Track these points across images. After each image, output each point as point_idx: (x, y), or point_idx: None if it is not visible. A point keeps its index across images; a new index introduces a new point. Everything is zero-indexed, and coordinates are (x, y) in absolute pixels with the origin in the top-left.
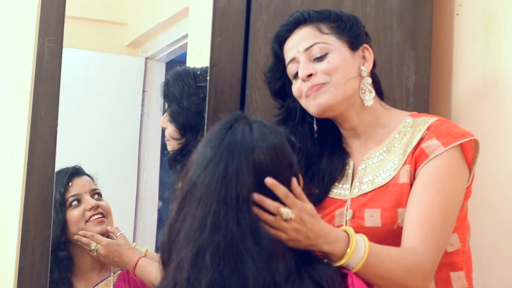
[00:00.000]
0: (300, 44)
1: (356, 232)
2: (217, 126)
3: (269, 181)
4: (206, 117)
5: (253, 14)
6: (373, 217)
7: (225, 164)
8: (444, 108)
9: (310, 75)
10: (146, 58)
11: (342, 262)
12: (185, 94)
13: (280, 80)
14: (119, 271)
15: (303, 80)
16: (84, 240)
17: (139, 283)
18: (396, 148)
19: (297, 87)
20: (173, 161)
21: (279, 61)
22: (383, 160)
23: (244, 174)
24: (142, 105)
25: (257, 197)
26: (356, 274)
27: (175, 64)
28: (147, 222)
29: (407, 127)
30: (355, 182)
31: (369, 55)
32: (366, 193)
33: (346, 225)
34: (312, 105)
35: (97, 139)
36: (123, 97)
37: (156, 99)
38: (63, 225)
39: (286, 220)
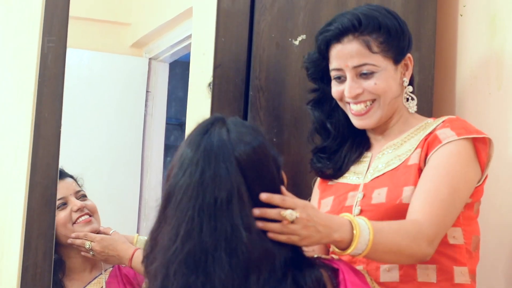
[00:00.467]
0: (349, 60)
1: (362, 210)
2: (194, 130)
3: (263, 196)
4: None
5: (257, 14)
6: (380, 195)
7: (202, 170)
8: (447, 108)
9: (357, 95)
10: (150, 59)
11: (352, 246)
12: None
13: (319, 70)
14: (110, 268)
15: (349, 98)
16: (78, 241)
17: (132, 278)
18: (412, 140)
19: (338, 90)
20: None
21: (322, 58)
22: (398, 149)
23: (222, 177)
24: (146, 105)
25: (257, 211)
26: (366, 256)
27: (179, 64)
28: (150, 223)
29: (426, 125)
30: (370, 170)
31: (410, 63)
32: (377, 177)
33: (356, 205)
34: (356, 123)
35: (101, 139)
36: (126, 97)
37: (160, 100)
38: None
39: (293, 222)
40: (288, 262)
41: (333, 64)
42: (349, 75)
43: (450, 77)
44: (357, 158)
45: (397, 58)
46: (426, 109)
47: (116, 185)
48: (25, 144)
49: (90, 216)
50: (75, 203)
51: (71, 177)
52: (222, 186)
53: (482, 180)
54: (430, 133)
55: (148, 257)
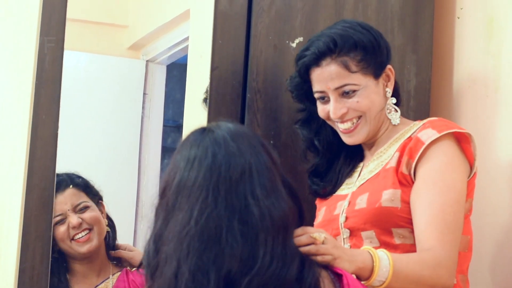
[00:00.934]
0: (329, 82)
1: (347, 217)
2: (188, 137)
3: (299, 231)
4: (207, 120)
5: (254, 17)
6: (362, 200)
7: (213, 153)
8: (445, 111)
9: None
10: (147, 61)
11: (375, 273)
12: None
13: (303, 92)
14: (118, 273)
15: (335, 119)
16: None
17: (139, 284)
18: (394, 146)
19: (324, 110)
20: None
21: (304, 81)
22: (382, 156)
23: (235, 155)
24: (143, 107)
25: (296, 242)
26: (389, 286)
27: (176, 67)
28: (147, 224)
29: (411, 128)
30: (359, 179)
31: (391, 73)
32: (362, 184)
33: (342, 213)
34: (346, 140)
35: (98, 141)
36: (123, 99)
37: (157, 102)
38: (53, 241)
39: (323, 243)
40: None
41: (316, 87)
42: (332, 96)
43: (447, 80)
44: (350, 171)
45: (377, 72)
46: (424, 111)
47: (113, 186)
48: (22, 146)
49: (89, 231)
50: (72, 220)
51: (76, 184)
52: (236, 163)
53: (472, 175)
54: (410, 137)
55: (154, 263)
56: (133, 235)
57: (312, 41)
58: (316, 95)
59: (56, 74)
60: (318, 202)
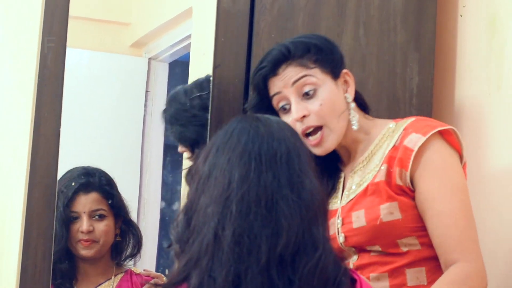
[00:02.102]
0: (288, 80)
1: (346, 236)
2: (226, 128)
3: None
4: (209, 117)
5: (257, 15)
6: (359, 218)
7: (256, 127)
8: (447, 109)
9: (303, 116)
10: (149, 59)
11: None
12: (181, 112)
13: (265, 111)
14: (121, 274)
15: (297, 120)
16: None
17: (141, 285)
18: (377, 154)
19: (288, 121)
20: (188, 178)
21: (262, 97)
22: (366, 166)
23: (279, 133)
24: (145, 105)
25: None
26: None
27: (178, 64)
28: (149, 223)
29: (389, 132)
30: (345, 192)
31: (350, 78)
32: (351, 199)
33: (339, 233)
34: (317, 151)
35: (100, 139)
36: (126, 97)
37: (159, 100)
38: (66, 238)
39: None
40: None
41: (273, 90)
42: (292, 98)
43: (449, 78)
44: (329, 184)
45: (334, 71)
46: (426, 109)
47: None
48: (24, 144)
49: (94, 241)
50: (83, 224)
51: (102, 190)
52: (280, 140)
53: (462, 166)
54: (395, 147)
55: (186, 225)
56: None
57: (265, 55)
58: (275, 103)
59: (58, 72)
60: None
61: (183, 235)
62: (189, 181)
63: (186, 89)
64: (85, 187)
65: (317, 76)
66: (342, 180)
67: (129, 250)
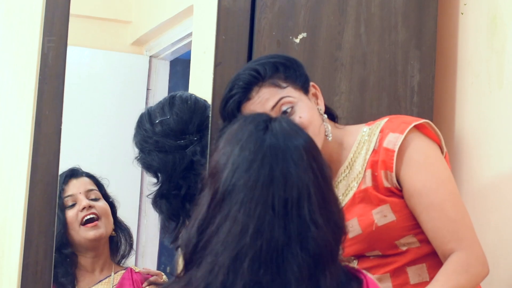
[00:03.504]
0: (265, 105)
1: (345, 247)
2: (246, 126)
3: None
4: (210, 115)
5: (258, 12)
6: (353, 227)
7: (270, 167)
8: (448, 107)
9: None
10: (151, 57)
11: None
12: (145, 139)
13: None
14: (122, 271)
15: None
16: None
17: (141, 282)
18: (358, 160)
19: None
20: (154, 204)
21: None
22: (348, 175)
23: (292, 176)
24: (146, 103)
25: None
26: None
27: (179, 62)
28: (150, 220)
29: (364, 137)
30: None
31: (317, 91)
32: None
33: None
34: None
35: (101, 137)
36: (127, 95)
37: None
38: (64, 223)
39: None
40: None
41: None
42: None
43: (450, 76)
44: None
45: (304, 86)
46: (427, 107)
47: (116, 182)
48: (26, 142)
49: (97, 218)
50: (81, 201)
51: (90, 176)
52: (293, 185)
53: (443, 155)
54: (375, 151)
55: (193, 250)
56: (137, 231)
57: (232, 82)
58: None
59: (60, 70)
60: None
61: (192, 249)
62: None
63: (150, 114)
64: (75, 173)
65: (291, 95)
66: None
67: (122, 248)
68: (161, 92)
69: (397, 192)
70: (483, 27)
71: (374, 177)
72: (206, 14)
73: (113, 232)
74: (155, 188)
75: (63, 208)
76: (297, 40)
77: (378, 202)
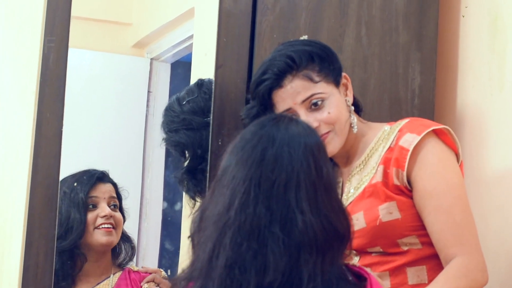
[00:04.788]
0: (295, 97)
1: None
2: (259, 121)
3: None
4: (211, 117)
5: (259, 15)
6: (358, 220)
7: (264, 148)
8: (449, 109)
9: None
10: (151, 59)
11: None
12: (172, 119)
13: None
14: (120, 272)
15: None
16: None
17: (139, 281)
18: (374, 156)
19: None
20: (180, 181)
21: (265, 108)
22: (363, 170)
23: (284, 159)
24: (147, 105)
25: None
26: None
27: (181, 65)
28: (151, 223)
29: (384, 135)
30: (343, 197)
31: (347, 81)
32: (350, 202)
33: None
34: None
35: (102, 139)
36: (128, 97)
37: (161, 100)
38: (84, 224)
39: None
40: (332, 270)
41: (281, 107)
42: (301, 112)
43: (451, 78)
44: None
45: (337, 80)
46: (428, 110)
47: (117, 184)
48: (27, 144)
49: (113, 227)
50: (104, 208)
51: (114, 184)
52: (282, 168)
53: (459, 164)
54: (391, 148)
55: (197, 231)
56: (137, 233)
57: (267, 65)
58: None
59: (61, 72)
60: None
61: (196, 230)
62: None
63: (179, 98)
64: (103, 177)
65: (323, 90)
66: (340, 185)
67: (122, 257)
68: (162, 95)
69: (406, 191)
70: (484, 29)
71: (386, 174)
72: (207, 16)
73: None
74: (183, 167)
75: (85, 208)
76: None
77: (386, 198)
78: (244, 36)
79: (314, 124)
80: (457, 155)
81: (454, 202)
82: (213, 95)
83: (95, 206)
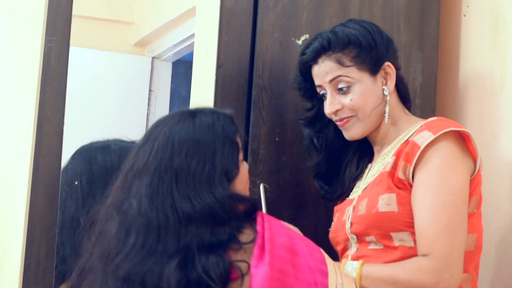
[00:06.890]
0: (325, 76)
1: (352, 223)
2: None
3: None
4: None
5: (260, 13)
6: (362, 206)
7: (145, 140)
8: (450, 109)
9: (337, 110)
10: (153, 58)
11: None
12: None
13: (308, 90)
14: None
15: (330, 114)
16: None
17: None
18: (396, 146)
19: (326, 110)
20: None
21: (306, 79)
22: (384, 159)
23: (150, 153)
24: (148, 104)
25: None
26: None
27: (182, 63)
28: None
29: (412, 130)
30: (364, 182)
31: (392, 70)
32: (364, 188)
33: (348, 219)
34: (344, 134)
35: (103, 137)
36: (129, 96)
37: (162, 98)
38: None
39: None
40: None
41: (316, 81)
42: (328, 91)
43: (453, 77)
44: (360, 173)
45: (373, 69)
46: (429, 109)
47: None
48: (27, 143)
49: None
50: None
51: None
52: (157, 151)
53: (476, 172)
54: (407, 141)
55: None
56: None
57: (312, 40)
58: (318, 90)
59: (62, 70)
60: (335, 207)
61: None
62: None
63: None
64: None
65: (351, 75)
66: (368, 171)
67: None
68: (163, 93)
69: (409, 186)
70: (486, 28)
71: (395, 165)
72: (208, 15)
73: None
74: None
75: None
76: (299, 42)
77: (388, 189)
78: (246, 34)
79: (337, 107)
80: (475, 162)
81: (441, 206)
82: (213, 95)
83: None
